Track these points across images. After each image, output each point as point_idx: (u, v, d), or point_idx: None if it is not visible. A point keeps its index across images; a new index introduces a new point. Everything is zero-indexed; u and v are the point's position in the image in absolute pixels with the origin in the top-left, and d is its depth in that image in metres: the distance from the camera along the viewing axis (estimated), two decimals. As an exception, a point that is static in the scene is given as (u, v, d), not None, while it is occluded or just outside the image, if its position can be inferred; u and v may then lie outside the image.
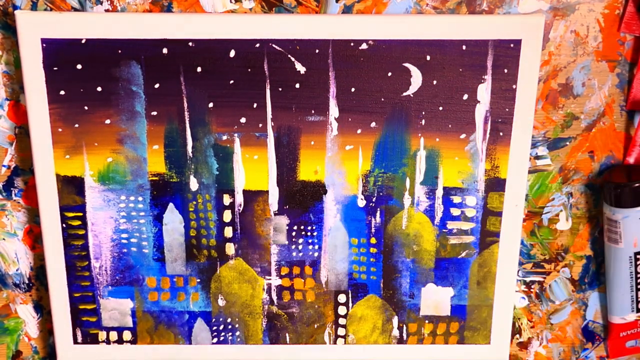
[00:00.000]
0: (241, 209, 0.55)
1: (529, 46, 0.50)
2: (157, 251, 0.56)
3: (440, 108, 0.52)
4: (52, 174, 0.53)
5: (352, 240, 0.56)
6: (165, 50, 0.51)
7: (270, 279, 0.57)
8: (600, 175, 0.56)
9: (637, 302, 0.57)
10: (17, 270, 0.58)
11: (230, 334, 0.58)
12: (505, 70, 0.51)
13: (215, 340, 0.58)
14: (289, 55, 0.51)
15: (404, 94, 0.52)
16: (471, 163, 0.54)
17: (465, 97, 0.52)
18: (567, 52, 0.53)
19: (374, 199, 0.55)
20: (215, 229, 0.55)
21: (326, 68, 0.51)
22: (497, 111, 0.52)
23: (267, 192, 0.54)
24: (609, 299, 0.58)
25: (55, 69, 0.51)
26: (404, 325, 0.58)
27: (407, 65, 0.51)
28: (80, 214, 0.55)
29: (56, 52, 0.50)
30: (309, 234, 0.56)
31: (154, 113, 0.52)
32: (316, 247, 0.56)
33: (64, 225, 0.55)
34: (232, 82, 0.52)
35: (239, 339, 0.58)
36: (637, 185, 0.53)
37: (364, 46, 0.51)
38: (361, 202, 0.55)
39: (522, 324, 0.60)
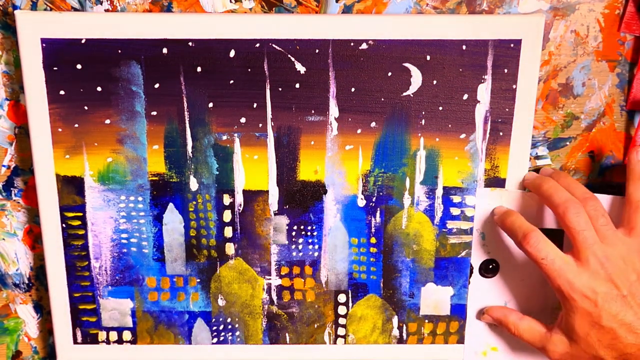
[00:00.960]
0: (241, 209, 0.55)
1: (529, 46, 0.50)
2: (157, 251, 0.56)
3: (440, 108, 0.52)
4: (52, 174, 0.53)
5: (352, 240, 0.56)
6: (165, 50, 0.51)
7: (270, 279, 0.57)
8: (600, 175, 0.56)
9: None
10: (17, 270, 0.58)
11: (230, 334, 0.58)
12: (505, 70, 0.51)
13: (215, 340, 0.58)
14: (289, 55, 0.51)
15: (404, 94, 0.52)
16: (471, 163, 0.54)
17: (465, 97, 0.52)
18: (567, 52, 0.53)
19: (374, 199, 0.55)
20: (215, 229, 0.55)
21: (326, 68, 0.51)
22: (497, 111, 0.52)
23: (267, 192, 0.54)
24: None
25: (55, 69, 0.51)
26: (404, 325, 0.58)
27: (407, 65, 0.51)
28: (80, 214, 0.55)
29: (56, 52, 0.50)
30: (309, 233, 0.56)
31: (154, 113, 0.52)
32: (316, 247, 0.56)
33: (64, 225, 0.55)
34: (232, 82, 0.52)
35: (239, 339, 0.58)
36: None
37: (364, 46, 0.51)
38: (361, 202, 0.55)
39: (521, 323, 0.60)
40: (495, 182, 0.54)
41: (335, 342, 0.59)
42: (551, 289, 0.54)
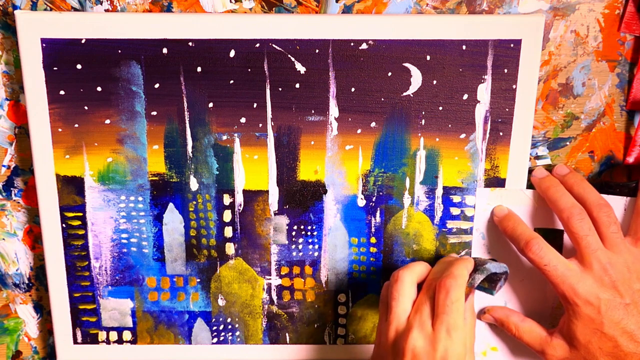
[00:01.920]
0: (241, 208, 0.55)
1: (529, 46, 0.50)
2: (157, 251, 0.56)
3: (440, 108, 0.52)
4: (52, 174, 0.53)
5: (352, 240, 0.56)
6: (165, 50, 0.51)
7: (270, 279, 0.57)
8: (600, 175, 0.56)
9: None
10: (17, 270, 0.58)
11: (230, 333, 0.58)
12: (505, 70, 0.51)
13: (215, 340, 0.58)
14: (289, 55, 0.51)
15: (404, 94, 0.52)
16: (471, 163, 0.54)
17: (465, 97, 0.52)
18: (567, 52, 0.53)
19: (374, 199, 0.55)
20: (215, 228, 0.55)
21: (326, 68, 0.51)
22: (497, 111, 0.52)
23: (267, 192, 0.54)
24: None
25: (55, 69, 0.51)
26: (404, 325, 0.58)
27: (407, 65, 0.51)
28: (80, 214, 0.55)
29: (56, 52, 0.50)
30: (309, 233, 0.56)
31: (154, 113, 0.52)
32: (316, 247, 0.56)
33: (64, 225, 0.55)
34: (232, 82, 0.52)
35: (239, 339, 0.58)
36: (633, 185, 0.53)
37: (364, 46, 0.51)
38: (361, 202, 0.55)
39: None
40: (495, 182, 0.54)
41: (335, 342, 0.59)
42: (551, 289, 0.54)
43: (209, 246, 0.56)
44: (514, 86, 0.52)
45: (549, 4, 0.51)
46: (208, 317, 0.58)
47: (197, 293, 0.57)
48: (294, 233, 0.56)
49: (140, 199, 0.54)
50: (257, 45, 0.51)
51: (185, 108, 0.52)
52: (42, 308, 0.60)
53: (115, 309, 0.57)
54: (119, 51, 0.50)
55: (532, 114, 0.52)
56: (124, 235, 0.55)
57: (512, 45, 0.51)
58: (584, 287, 0.47)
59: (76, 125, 0.52)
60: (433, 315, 0.46)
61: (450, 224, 0.56)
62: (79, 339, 0.58)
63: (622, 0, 0.51)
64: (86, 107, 0.52)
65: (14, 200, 0.56)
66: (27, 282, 0.59)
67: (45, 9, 0.51)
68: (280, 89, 0.52)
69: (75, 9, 0.51)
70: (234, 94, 0.52)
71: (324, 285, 0.57)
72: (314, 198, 0.55)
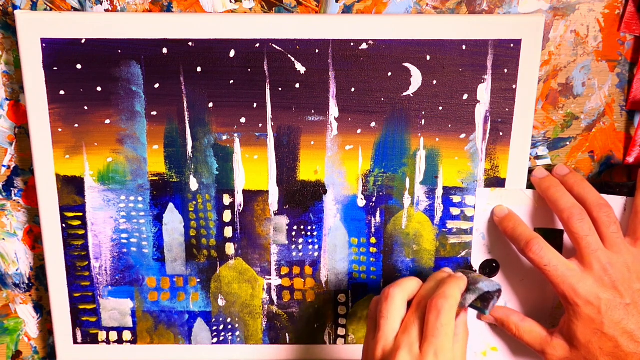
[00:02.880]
0: (241, 209, 0.55)
1: (529, 46, 0.50)
2: (157, 251, 0.56)
3: (440, 108, 0.52)
4: (52, 174, 0.53)
5: (352, 240, 0.56)
6: (165, 50, 0.51)
7: (270, 279, 0.57)
8: (600, 175, 0.56)
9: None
10: (17, 270, 0.58)
11: (230, 334, 0.58)
12: (505, 70, 0.51)
13: (215, 340, 0.58)
14: (289, 55, 0.51)
15: (404, 94, 0.52)
16: (471, 163, 0.54)
17: (465, 97, 0.52)
18: (567, 52, 0.53)
19: (374, 199, 0.55)
20: (215, 229, 0.55)
21: (326, 68, 0.51)
22: (497, 111, 0.52)
23: (267, 192, 0.54)
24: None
25: (55, 69, 0.51)
26: (404, 325, 0.58)
27: (407, 65, 0.51)
28: (80, 214, 0.55)
29: (56, 52, 0.50)
30: (309, 233, 0.56)
31: (154, 113, 0.52)
32: (316, 247, 0.56)
33: (64, 225, 0.55)
34: (232, 82, 0.52)
35: (239, 339, 0.58)
36: (632, 184, 0.53)
37: (364, 46, 0.51)
38: (361, 202, 0.55)
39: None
40: (495, 182, 0.54)
41: (335, 342, 0.59)
42: (551, 289, 0.54)
43: (209, 246, 0.56)
44: (514, 86, 0.52)
45: (549, 4, 0.51)
46: (208, 317, 0.58)
47: (197, 293, 0.57)
48: (294, 233, 0.56)
49: (140, 199, 0.54)
50: (257, 45, 0.51)
51: (185, 108, 0.52)
52: (42, 308, 0.60)
53: (115, 309, 0.57)
54: (119, 51, 0.50)
55: (532, 114, 0.52)
56: (124, 235, 0.55)
57: (512, 45, 0.51)
58: (584, 287, 0.47)
59: (76, 125, 0.52)
60: (422, 336, 0.45)
61: (451, 224, 0.56)
62: (79, 339, 0.58)
63: (622, 0, 0.51)
64: (86, 107, 0.52)
65: (14, 200, 0.56)
66: (27, 282, 0.59)
67: (45, 9, 0.51)
68: (280, 89, 0.52)
69: (75, 9, 0.51)
70: (234, 94, 0.52)
71: (324, 286, 0.57)
72: (314, 198, 0.55)
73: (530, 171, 0.54)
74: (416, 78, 0.52)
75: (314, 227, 0.56)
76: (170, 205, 0.55)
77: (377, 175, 0.54)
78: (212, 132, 0.53)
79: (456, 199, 0.55)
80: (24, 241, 0.57)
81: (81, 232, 0.55)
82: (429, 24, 0.50)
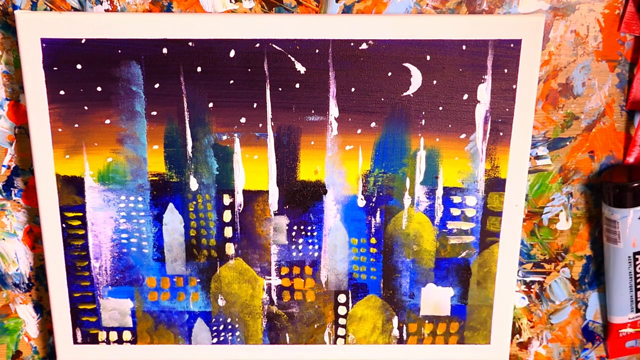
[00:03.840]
0: (241, 209, 0.55)
1: (529, 46, 0.50)
2: (157, 251, 0.56)
3: (440, 108, 0.52)
4: (52, 174, 0.53)
5: (352, 240, 0.56)
6: (165, 50, 0.51)
7: (270, 279, 0.57)
8: (600, 175, 0.56)
9: (636, 302, 0.57)
10: (17, 270, 0.58)
11: (230, 334, 0.58)
12: (505, 70, 0.51)
13: (215, 340, 0.58)
14: (289, 55, 0.51)
15: (404, 94, 0.52)
16: (471, 163, 0.54)
17: (465, 97, 0.52)
18: (567, 52, 0.53)
19: (374, 199, 0.55)
20: (215, 229, 0.55)
21: (326, 68, 0.51)
22: (497, 111, 0.52)
23: (267, 192, 0.54)
24: (608, 299, 0.58)
25: (55, 69, 0.51)
26: (404, 325, 0.58)
27: (407, 65, 0.51)
28: (80, 214, 0.55)
29: (56, 52, 0.50)
30: (309, 234, 0.56)
31: (154, 113, 0.52)
32: (316, 247, 0.56)
33: (64, 225, 0.55)
34: (232, 82, 0.52)
35: (239, 339, 0.58)
36: (635, 185, 0.53)
37: (364, 46, 0.51)
38: (361, 202, 0.55)
39: (522, 324, 0.60)
40: (495, 182, 0.54)
41: (335, 342, 0.59)
42: None
43: (209, 246, 0.56)
44: (514, 86, 0.52)
45: (549, 4, 0.51)
46: (208, 317, 0.58)
47: (197, 293, 0.57)
48: (294, 233, 0.56)
49: (140, 199, 0.54)
50: (257, 45, 0.51)
51: (185, 108, 0.52)
52: (42, 308, 0.60)
53: (115, 309, 0.57)
54: (119, 51, 0.50)
55: (532, 114, 0.52)
56: (124, 235, 0.55)
57: (512, 45, 0.50)
58: None
59: (76, 125, 0.52)
60: None
61: (451, 225, 0.56)
62: (79, 339, 0.58)
63: (622, 0, 0.51)
64: (86, 107, 0.52)
65: (14, 200, 0.56)
66: (27, 282, 0.59)
67: (45, 9, 0.51)
68: (280, 89, 0.52)
69: (75, 9, 0.51)
70: (234, 94, 0.52)
71: (324, 286, 0.57)
72: (314, 198, 0.55)
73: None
74: (416, 78, 0.52)
75: (314, 227, 0.55)
76: (170, 205, 0.55)
77: (377, 176, 0.54)
78: (212, 132, 0.53)
79: (456, 199, 0.55)
80: (24, 241, 0.57)
81: (81, 232, 0.55)
82: (429, 24, 0.50)
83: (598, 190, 0.55)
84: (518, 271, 0.58)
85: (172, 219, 0.55)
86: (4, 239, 0.57)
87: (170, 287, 0.57)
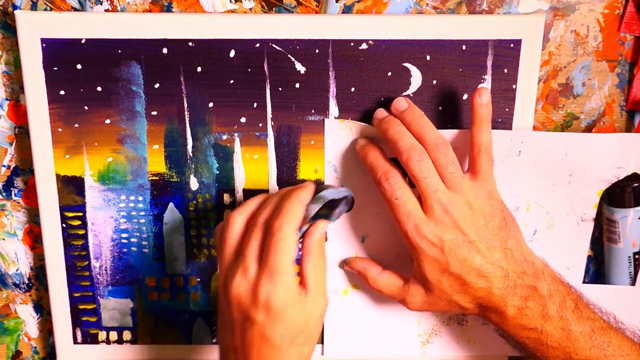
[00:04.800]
0: (241, 208, 0.55)
1: (529, 46, 0.50)
2: (157, 251, 0.56)
3: (440, 108, 0.52)
4: (52, 174, 0.53)
5: (352, 240, 0.56)
6: (165, 50, 0.51)
7: (270, 279, 0.57)
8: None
9: (636, 301, 0.57)
10: (17, 270, 0.58)
11: (230, 333, 0.58)
12: (505, 70, 0.51)
13: (215, 340, 0.58)
14: (289, 55, 0.51)
15: (404, 93, 0.52)
16: (471, 163, 0.54)
17: (465, 97, 0.52)
18: (567, 52, 0.53)
19: (374, 199, 0.55)
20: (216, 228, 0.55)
21: (326, 68, 0.51)
22: (497, 111, 0.52)
23: (267, 191, 0.54)
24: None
25: (55, 69, 0.51)
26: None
27: (407, 65, 0.51)
28: (80, 214, 0.55)
29: (56, 52, 0.50)
30: (309, 233, 0.56)
31: (154, 113, 0.52)
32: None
33: (64, 225, 0.55)
34: (232, 82, 0.52)
35: (239, 339, 0.58)
36: (635, 185, 0.53)
37: (364, 46, 0.51)
38: (361, 202, 0.55)
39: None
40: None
41: (335, 342, 0.59)
42: None
43: (209, 245, 0.56)
44: (514, 86, 0.52)
45: (549, 4, 0.51)
46: (208, 316, 0.58)
47: (197, 293, 0.57)
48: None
49: (140, 198, 0.54)
50: (257, 45, 0.51)
51: (185, 108, 0.52)
52: (42, 308, 0.60)
53: (116, 309, 0.57)
54: (119, 51, 0.50)
55: (532, 114, 0.52)
56: (124, 235, 0.55)
57: (512, 45, 0.51)
58: (426, 229, 0.46)
59: (76, 125, 0.52)
60: (261, 257, 0.44)
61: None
62: (79, 339, 0.58)
63: (622, 0, 0.51)
64: (86, 107, 0.52)
65: (14, 200, 0.56)
66: (27, 282, 0.59)
67: (45, 9, 0.51)
68: (280, 89, 0.52)
69: (75, 9, 0.51)
70: (234, 94, 0.52)
71: (324, 285, 0.57)
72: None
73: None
74: (416, 78, 0.52)
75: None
76: (171, 205, 0.55)
77: (377, 175, 0.54)
78: (212, 131, 0.53)
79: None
80: (24, 241, 0.57)
81: (81, 232, 0.55)
82: (429, 24, 0.50)
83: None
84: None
85: (173, 218, 0.55)
86: (4, 239, 0.57)
87: (171, 287, 0.57)
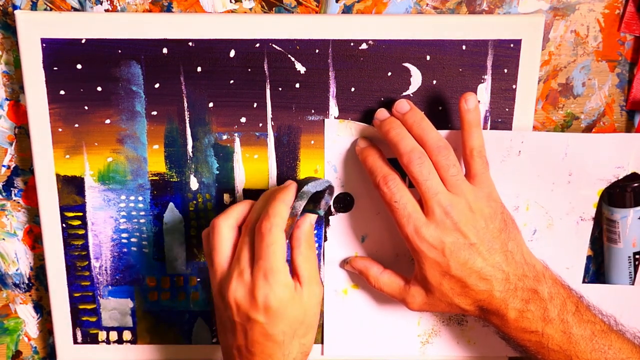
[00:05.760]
0: (241, 208, 0.55)
1: (529, 46, 0.50)
2: (157, 251, 0.56)
3: (440, 108, 0.52)
4: (52, 174, 0.53)
5: (352, 240, 0.56)
6: (165, 50, 0.51)
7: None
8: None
9: (636, 301, 0.57)
10: (17, 270, 0.58)
11: (230, 333, 0.58)
12: (505, 70, 0.51)
13: (215, 340, 0.58)
14: (289, 55, 0.51)
15: (404, 93, 0.52)
16: (471, 163, 0.54)
17: (465, 97, 0.52)
18: (567, 52, 0.53)
19: (374, 199, 0.55)
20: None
21: (326, 68, 0.51)
22: (497, 111, 0.52)
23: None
24: (608, 298, 0.58)
25: (55, 69, 0.51)
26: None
27: (407, 65, 0.51)
28: (80, 214, 0.55)
29: (56, 52, 0.50)
30: (309, 233, 0.56)
31: (154, 113, 0.52)
32: (316, 245, 0.56)
33: (64, 225, 0.55)
34: (232, 82, 0.52)
35: (239, 339, 0.58)
36: (635, 185, 0.53)
37: (364, 46, 0.51)
38: (361, 202, 0.55)
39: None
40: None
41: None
42: None
43: (209, 246, 0.56)
44: (514, 86, 0.52)
45: (549, 4, 0.51)
46: (208, 316, 0.58)
47: (197, 293, 0.57)
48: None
49: (140, 198, 0.54)
50: (257, 45, 0.51)
51: (186, 108, 0.52)
52: (42, 308, 0.60)
53: (116, 309, 0.57)
54: (119, 51, 0.50)
55: (532, 114, 0.52)
56: (124, 235, 0.55)
57: (512, 45, 0.51)
58: (427, 231, 0.47)
59: (76, 125, 0.52)
60: (254, 260, 0.45)
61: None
62: (79, 339, 0.58)
63: (622, 0, 0.51)
64: (86, 107, 0.52)
65: (14, 200, 0.56)
66: (27, 282, 0.59)
67: (45, 9, 0.51)
68: (280, 89, 0.52)
69: (75, 9, 0.51)
70: (234, 94, 0.52)
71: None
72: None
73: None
74: (416, 78, 0.52)
75: (314, 227, 0.55)
76: (171, 205, 0.55)
77: (377, 175, 0.54)
78: (213, 131, 0.53)
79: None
80: (24, 241, 0.57)
81: (81, 232, 0.55)
82: (429, 24, 0.50)
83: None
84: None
85: (173, 218, 0.55)
86: (4, 239, 0.57)
87: (171, 287, 0.57)
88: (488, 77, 0.51)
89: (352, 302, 0.57)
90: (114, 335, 0.58)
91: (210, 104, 0.52)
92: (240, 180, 0.54)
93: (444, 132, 0.50)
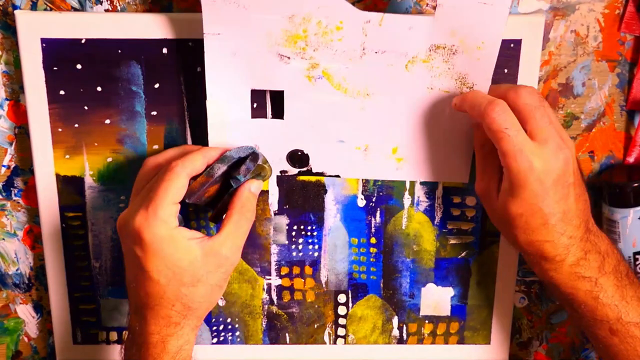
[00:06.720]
0: (241, 209, 0.55)
1: (529, 46, 0.50)
2: (157, 251, 0.56)
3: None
4: (52, 174, 0.53)
5: (352, 240, 0.56)
6: (165, 50, 0.51)
7: (270, 279, 0.57)
8: (600, 175, 0.56)
9: (637, 302, 0.57)
10: (16, 270, 0.58)
11: (230, 334, 0.58)
12: (505, 70, 0.51)
13: (215, 340, 0.58)
14: (289, 55, 0.51)
15: (404, 94, 0.52)
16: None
17: (465, 97, 0.52)
18: (567, 52, 0.53)
19: (373, 199, 0.55)
20: (215, 228, 0.55)
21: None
22: (497, 111, 0.52)
23: (267, 191, 0.54)
24: (608, 298, 0.58)
25: (55, 69, 0.51)
26: (404, 325, 0.58)
27: (407, 65, 0.51)
28: (80, 214, 0.55)
29: (56, 52, 0.50)
30: (309, 233, 0.56)
31: (154, 113, 0.52)
32: (316, 247, 0.56)
33: (64, 225, 0.55)
34: (232, 82, 0.51)
35: (239, 339, 0.58)
36: (635, 185, 0.53)
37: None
38: (361, 202, 0.55)
39: (522, 324, 0.60)
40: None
41: (335, 342, 0.59)
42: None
43: (209, 246, 0.56)
44: (514, 86, 0.51)
45: (549, 4, 0.51)
46: (208, 317, 0.58)
47: (197, 293, 0.57)
48: (294, 233, 0.56)
49: (140, 199, 0.54)
50: (257, 45, 0.50)
51: (185, 108, 0.52)
52: (42, 308, 0.60)
53: (116, 309, 0.57)
54: (119, 51, 0.50)
55: (532, 114, 0.52)
56: (124, 235, 0.55)
57: (512, 45, 0.50)
58: (539, 163, 0.43)
59: (76, 125, 0.52)
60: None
61: (451, 225, 0.56)
62: (79, 339, 0.58)
63: (622, 0, 0.51)
64: (86, 107, 0.52)
65: (14, 200, 0.56)
66: (27, 282, 0.59)
67: (45, 9, 0.51)
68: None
69: (75, 9, 0.51)
70: (234, 94, 0.52)
71: (323, 286, 0.57)
72: (314, 198, 0.55)
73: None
74: (416, 78, 0.51)
75: (314, 227, 0.55)
76: (170, 205, 0.55)
77: (377, 175, 0.54)
78: (212, 132, 0.53)
79: (456, 199, 0.55)
80: (24, 241, 0.57)
81: (81, 232, 0.55)
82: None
83: (598, 190, 0.55)
84: (518, 271, 0.58)
85: (172, 219, 0.55)
86: (4, 239, 0.57)
87: (170, 287, 0.57)
88: (488, 77, 0.51)
89: None
90: (114, 335, 0.58)
91: (210, 104, 0.52)
92: (240, 180, 0.54)
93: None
